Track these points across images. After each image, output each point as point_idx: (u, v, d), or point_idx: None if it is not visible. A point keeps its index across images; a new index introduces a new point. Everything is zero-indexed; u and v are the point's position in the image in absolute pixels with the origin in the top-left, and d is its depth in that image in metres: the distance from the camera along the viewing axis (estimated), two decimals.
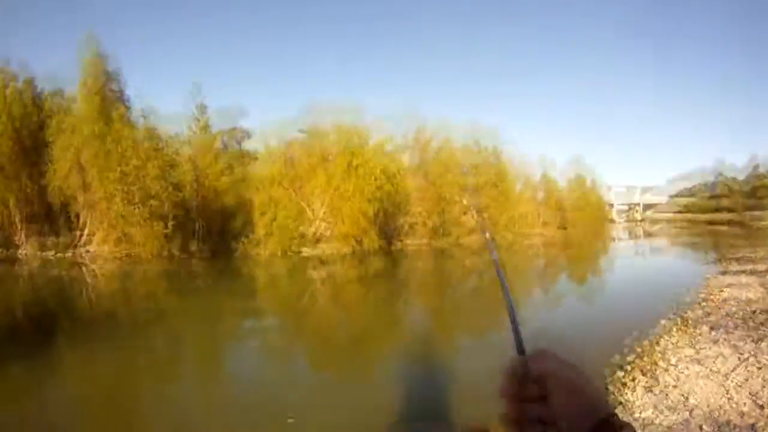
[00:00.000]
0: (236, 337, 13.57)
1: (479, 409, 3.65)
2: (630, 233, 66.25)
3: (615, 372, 8.16)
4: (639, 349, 9.39)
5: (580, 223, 61.59)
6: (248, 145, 42.32)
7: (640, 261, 34.24)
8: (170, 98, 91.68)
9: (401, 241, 39.67)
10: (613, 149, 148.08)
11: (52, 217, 31.41)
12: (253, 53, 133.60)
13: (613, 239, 57.30)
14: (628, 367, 8.35)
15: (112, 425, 7.39)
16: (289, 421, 6.84)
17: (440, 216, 41.23)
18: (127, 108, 32.09)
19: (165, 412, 7.72)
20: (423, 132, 44.18)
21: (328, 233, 35.00)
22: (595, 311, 15.24)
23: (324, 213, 35.06)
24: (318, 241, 34.74)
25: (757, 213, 62.25)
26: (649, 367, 8.17)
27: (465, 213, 44.21)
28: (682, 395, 6.65)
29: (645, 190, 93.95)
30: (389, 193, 35.15)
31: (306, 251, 33.33)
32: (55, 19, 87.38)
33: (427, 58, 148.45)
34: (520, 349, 0.77)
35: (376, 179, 34.58)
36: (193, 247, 30.73)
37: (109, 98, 31.51)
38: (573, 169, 65.61)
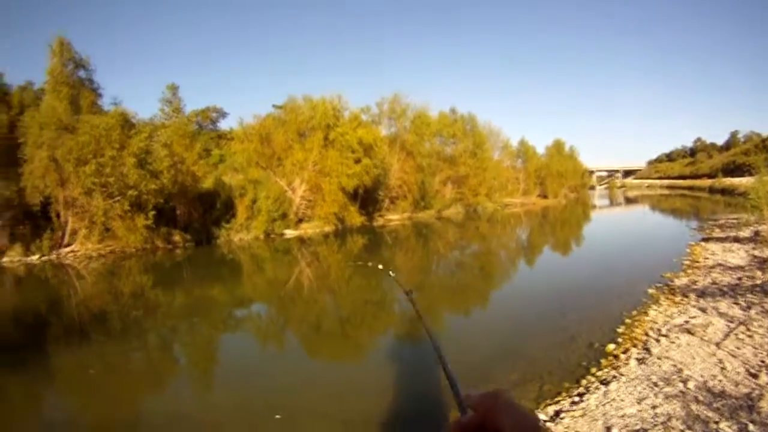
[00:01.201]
0: (223, 328, 13.48)
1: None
2: (611, 201, 66.67)
3: (608, 344, 8.20)
4: (629, 320, 9.42)
5: (561, 191, 61.77)
6: (223, 125, 41.72)
7: (622, 229, 34.29)
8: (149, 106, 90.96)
9: (382, 216, 39.60)
10: (596, 138, 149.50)
11: (33, 220, 30.91)
12: (231, 54, 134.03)
13: (594, 206, 57.59)
14: (620, 339, 8.40)
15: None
16: (276, 417, 6.76)
17: (420, 188, 41.18)
18: (98, 95, 31.77)
19: (158, 410, 7.69)
20: (398, 101, 43.74)
21: (309, 212, 34.83)
22: (582, 282, 15.00)
23: (304, 191, 34.80)
24: (300, 221, 34.57)
25: (736, 180, 62.94)
26: (640, 338, 8.17)
27: (445, 184, 44.40)
28: (675, 366, 6.57)
29: (627, 173, 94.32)
30: (368, 166, 34.95)
31: (289, 232, 33.21)
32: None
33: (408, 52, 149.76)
34: (462, 408, 0.72)
35: (353, 152, 34.39)
36: (176, 237, 30.37)
37: (78, 86, 30.93)
38: (554, 149, 65.80)
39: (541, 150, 64.72)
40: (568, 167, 65.44)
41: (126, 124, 30.03)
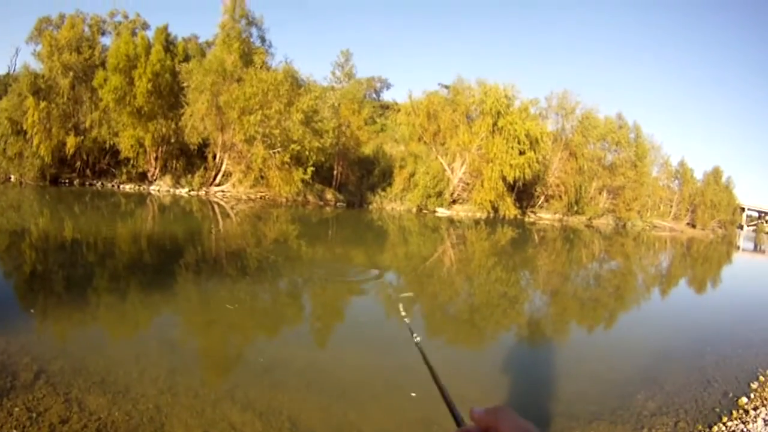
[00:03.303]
0: (356, 290, 12.50)
1: None
2: (756, 245, 60.88)
3: (741, 396, 7.54)
4: (762, 378, 8.56)
5: (710, 224, 56.88)
6: (386, 96, 41.38)
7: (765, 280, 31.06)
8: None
9: (534, 213, 37.57)
10: (753, 172, 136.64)
11: (188, 157, 31.69)
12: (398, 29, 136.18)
13: (738, 247, 52.64)
14: (752, 395, 7.77)
15: None
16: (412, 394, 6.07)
17: (577, 192, 38.59)
18: (269, 54, 31.86)
19: (275, 356, 7.22)
20: (567, 97, 40.95)
21: (465, 195, 33.32)
22: (719, 326, 13.53)
23: (463, 173, 33.38)
24: (454, 202, 33.38)
25: None
26: None
27: (600, 192, 41.59)
28: None
29: None
30: (531, 159, 32.86)
31: (441, 211, 32.10)
32: None
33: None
34: (457, 422, 0.76)
35: (519, 143, 32.64)
36: (329, 195, 30.07)
37: (248, 43, 31.30)
38: (711, 177, 60.52)
39: (698, 175, 59.44)
40: (722, 200, 59.66)
41: (294, 81, 30.10)
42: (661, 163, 51.38)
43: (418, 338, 1.86)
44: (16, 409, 4.73)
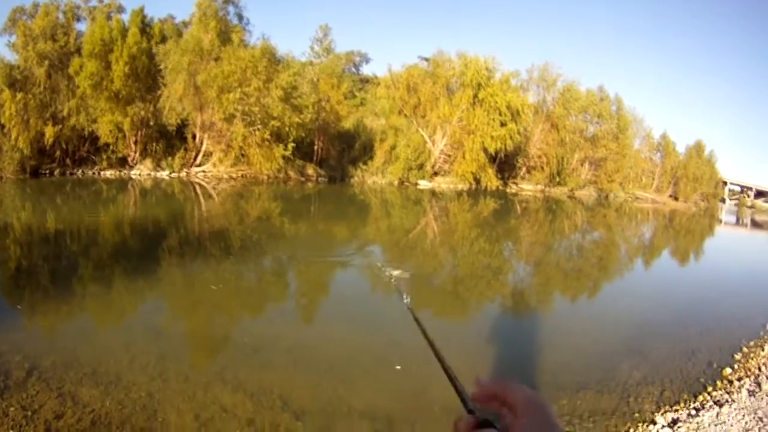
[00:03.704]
0: (340, 265, 12.69)
1: None
2: (738, 219, 61.49)
3: (725, 367, 7.80)
4: (746, 349, 8.84)
5: (693, 197, 57.42)
6: (366, 70, 41.26)
7: (747, 254, 31.27)
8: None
9: (516, 184, 37.74)
10: (736, 146, 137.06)
11: (167, 139, 31.47)
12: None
13: (721, 221, 53.09)
14: (736, 366, 7.99)
15: None
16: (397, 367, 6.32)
17: (558, 163, 38.80)
18: (246, 31, 31.53)
19: (261, 335, 7.48)
20: (549, 69, 40.99)
21: (446, 167, 33.36)
22: (703, 298, 13.79)
23: (444, 146, 33.34)
24: (435, 174, 33.41)
25: None
26: (753, 370, 7.85)
27: (582, 164, 41.84)
28: None
29: (759, 193, 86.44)
30: (512, 131, 32.88)
31: (423, 183, 32.11)
32: None
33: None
34: (465, 404, 0.72)
35: (500, 114, 32.66)
36: (310, 170, 30.02)
37: (225, 21, 30.98)
38: (694, 150, 60.95)
39: (680, 148, 59.84)
40: (705, 173, 60.10)
41: (272, 58, 29.90)
42: (643, 136, 51.70)
43: (408, 299, 1.82)
44: (12, 408, 4.74)
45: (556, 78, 40.97)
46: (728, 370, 7.75)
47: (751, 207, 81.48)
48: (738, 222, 56.79)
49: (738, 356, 8.46)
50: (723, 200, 77.16)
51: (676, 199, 56.33)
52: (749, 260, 27.95)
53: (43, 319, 7.86)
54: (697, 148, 60.88)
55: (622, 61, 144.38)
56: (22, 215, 18.32)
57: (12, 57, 30.59)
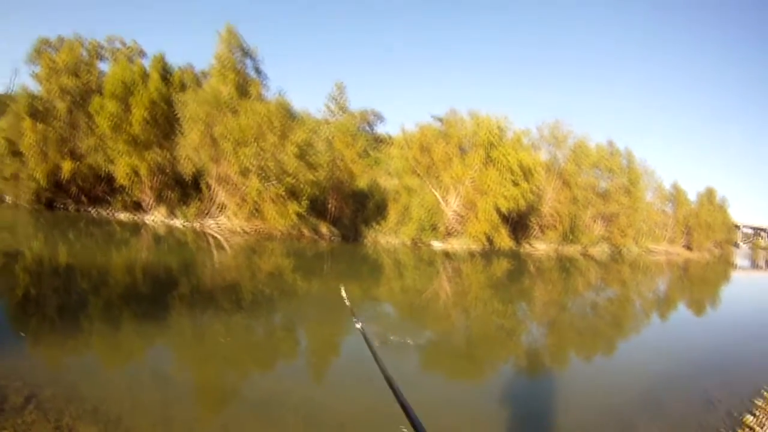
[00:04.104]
0: (351, 325, 12.09)
1: None
2: (753, 262, 61.02)
3: (746, 415, 7.78)
4: (766, 394, 8.81)
5: (706, 244, 57.00)
6: (381, 129, 41.61)
7: (763, 296, 31.61)
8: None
9: (530, 244, 37.59)
10: (747, 188, 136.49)
11: (183, 188, 31.68)
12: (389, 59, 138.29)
13: (736, 266, 52.75)
14: (757, 412, 7.95)
15: None
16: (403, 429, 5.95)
17: (571, 221, 38.66)
18: (264, 86, 31.83)
19: (267, 389, 7.45)
20: (559, 127, 41.27)
21: (459, 228, 33.38)
22: (720, 346, 14.14)
23: (457, 206, 33.44)
24: (449, 234, 33.37)
25: None
26: None
27: (594, 220, 41.65)
28: None
29: None
30: (525, 190, 32.96)
31: (435, 244, 32.17)
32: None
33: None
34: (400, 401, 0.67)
35: (513, 174, 32.76)
36: (324, 228, 30.07)
37: (243, 74, 31.30)
38: (705, 198, 60.69)
39: (692, 196, 59.63)
40: (717, 219, 59.82)
41: (287, 114, 30.08)
42: (654, 187, 51.67)
43: (360, 325, 1.88)
44: (4, 431, 4.75)
45: (566, 135, 41.17)
46: (750, 418, 7.68)
47: (766, 248, 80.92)
48: (753, 265, 56.45)
49: (759, 402, 8.39)
50: (737, 245, 76.72)
51: (689, 248, 56.06)
52: (765, 301, 27.98)
53: (47, 350, 7.93)
54: (709, 195, 60.71)
55: (631, 109, 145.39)
56: (33, 244, 18.56)
57: (35, 87, 31.27)
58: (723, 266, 50.76)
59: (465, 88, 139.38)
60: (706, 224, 57.30)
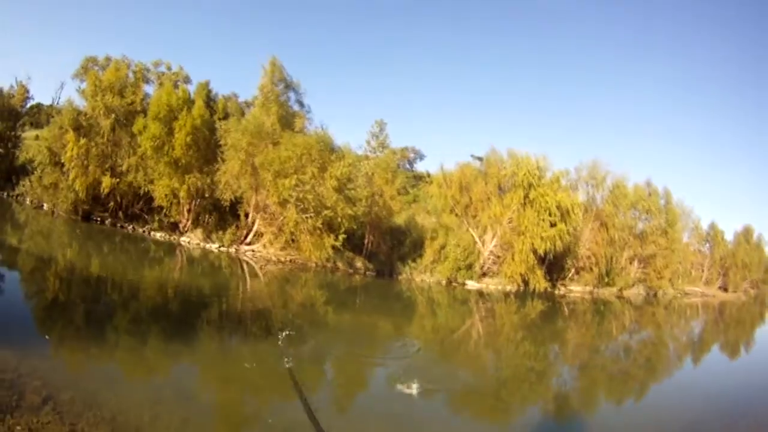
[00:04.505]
0: (380, 361, 12.89)
1: None
2: None
3: None
4: None
5: (742, 285, 55.79)
6: (420, 167, 41.82)
7: None
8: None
9: (565, 285, 37.11)
10: None
11: (220, 213, 32.01)
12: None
13: None
14: None
15: None
16: None
17: (608, 263, 38.07)
18: (308, 119, 32.71)
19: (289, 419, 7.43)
20: (597, 167, 40.73)
21: (495, 268, 33.15)
22: (753, 387, 14.42)
23: (494, 246, 33.30)
24: (484, 274, 33.19)
25: None
26: None
27: (631, 262, 41.03)
28: None
29: None
30: (562, 231, 32.70)
31: (470, 284, 32.06)
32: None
33: None
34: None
35: (550, 214, 32.56)
36: (359, 263, 30.17)
37: (286, 106, 31.96)
38: (742, 237, 59.38)
39: (728, 235, 58.34)
40: (754, 258, 58.55)
41: (327, 147, 30.45)
42: (691, 228, 50.77)
43: (289, 364, 1.79)
44: (18, 427, 4.74)
45: (604, 175, 40.65)
46: None
47: None
48: None
49: None
50: None
51: (725, 290, 55.01)
52: None
53: (70, 355, 8.07)
54: (746, 233, 59.49)
55: (667, 148, 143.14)
56: (67, 253, 18.94)
57: (80, 103, 32.18)
58: (758, 307, 49.88)
59: (505, 124, 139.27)
60: (742, 264, 56.16)
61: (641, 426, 9.69)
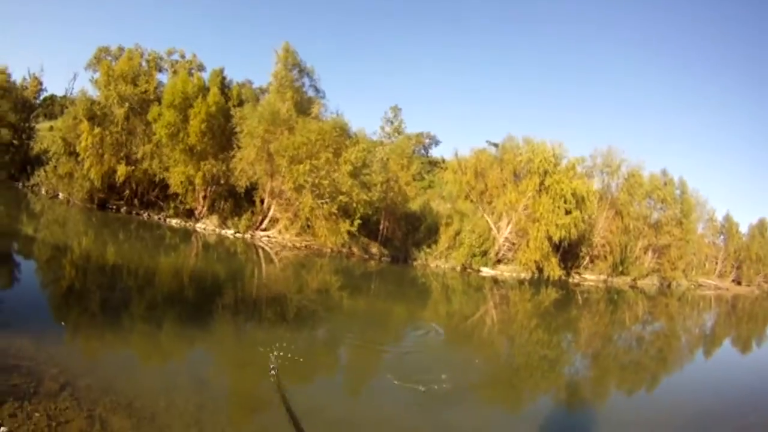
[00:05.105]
0: (395, 346, 12.91)
1: None
2: None
3: None
4: None
5: (756, 279, 55.30)
6: (435, 152, 41.72)
7: None
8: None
9: (579, 273, 37.02)
10: None
11: (236, 199, 32.13)
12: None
13: None
14: None
15: None
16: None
17: (622, 251, 37.91)
18: (323, 105, 32.34)
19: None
20: (612, 155, 40.45)
21: (510, 254, 33.12)
22: (763, 387, 14.07)
23: (509, 233, 33.33)
24: (499, 261, 33.18)
25: None
26: None
27: (645, 251, 40.77)
28: None
29: None
30: (577, 219, 32.60)
31: (485, 270, 32.09)
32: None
33: None
34: None
35: (566, 202, 32.50)
36: (374, 249, 30.24)
37: (301, 92, 31.89)
38: (757, 230, 58.80)
39: (743, 228, 57.87)
40: None
41: (342, 133, 30.48)
42: (706, 219, 50.32)
43: (275, 370, 1.80)
44: (37, 414, 4.86)
45: (620, 163, 40.43)
46: None
47: None
48: None
49: None
50: None
51: (739, 283, 54.57)
52: None
53: (86, 342, 8.16)
54: (761, 226, 58.84)
55: (684, 136, 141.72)
56: (83, 241, 19.06)
57: (94, 92, 32.43)
58: None
59: (522, 110, 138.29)
60: (756, 257, 55.55)
61: (652, 416, 9.66)
